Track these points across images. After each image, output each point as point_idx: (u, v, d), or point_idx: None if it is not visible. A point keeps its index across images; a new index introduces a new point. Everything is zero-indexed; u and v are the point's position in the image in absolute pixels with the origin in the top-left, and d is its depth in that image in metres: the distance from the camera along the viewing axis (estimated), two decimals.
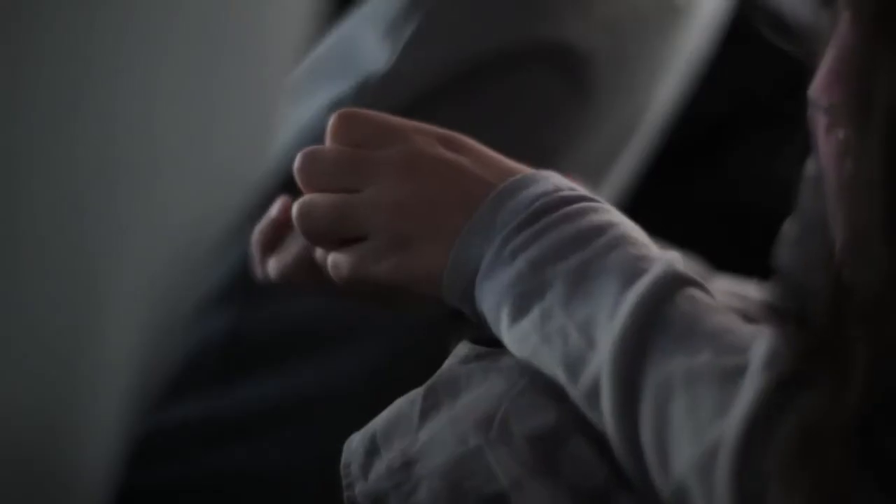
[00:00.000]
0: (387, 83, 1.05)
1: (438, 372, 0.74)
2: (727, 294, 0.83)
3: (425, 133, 0.78)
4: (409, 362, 1.02)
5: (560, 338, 0.70)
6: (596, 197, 0.75)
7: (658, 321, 0.67)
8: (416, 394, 0.73)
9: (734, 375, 0.64)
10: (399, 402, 0.74)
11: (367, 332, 1.05)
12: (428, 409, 0.72)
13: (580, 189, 0.75)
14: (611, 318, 0.68)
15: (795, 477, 0.60)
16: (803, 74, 0.73)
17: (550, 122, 1.08)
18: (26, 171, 0.76)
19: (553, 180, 0.75)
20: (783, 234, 0.86)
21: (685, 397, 0.65)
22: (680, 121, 1.28)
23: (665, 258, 0.71)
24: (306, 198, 0.79)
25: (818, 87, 0.72)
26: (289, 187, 1.02)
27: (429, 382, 0.73)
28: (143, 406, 0.96)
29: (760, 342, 0.65)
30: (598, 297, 0.69)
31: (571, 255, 0.71)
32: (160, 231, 0.88)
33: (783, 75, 1.35)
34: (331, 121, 0.80)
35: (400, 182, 0.75)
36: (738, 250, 0.97)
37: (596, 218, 0.72)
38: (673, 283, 0.69)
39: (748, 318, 0.79)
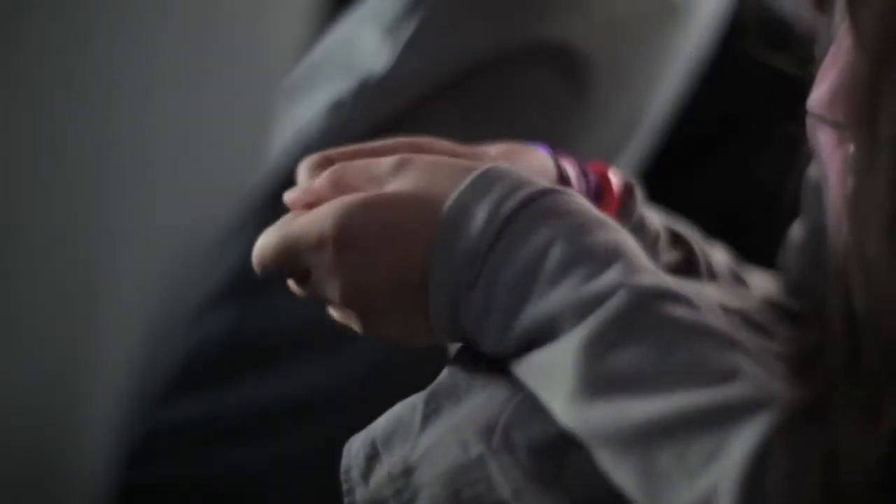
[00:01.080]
0: (386, 83, 1.04)
1: (440, 377, 0.73)
2: (722, 293, 0.82)
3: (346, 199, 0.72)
4: (409, 364, 1.02)
5: (530, 380, 0.69)
6: (533, 186, 0.70)
7: (615, 358, 0.65)
8: (418, 399, 0.72)
9: (721, 416, 0.62)
10: (399, 407, 0.73)
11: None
12: (429, 415, 0.71)
13: (509, 183, 0.70)
14: (563, 358, 0.66)
15: None
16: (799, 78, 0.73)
17: (549, 122, 1.08)
18: (21, 176, 0.76)
19: (480, 205, 0.70)
20: (789, 237, 0.85)
21: (669, 444, 0.62)
22: (680, 120, 1.28)
23: (620, 269, 0.67)
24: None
25: (820, 102, 0.71)
26: (288, 187, 1.03)
27: (430, 388, 0.72)
28: (142, 407, 0.96)
29: (743, 371, 0.63)
30: (551, 341, 0.67)
31: (522, 308, 0.68)
32: (156, 233, 0.88)
33: (782, 75, 1.36)
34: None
35: (332, 278, 0.72)
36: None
37: (533, 242, 0.68)
38: (634, 308, 0.65)
39: (747, 319, 0.79)
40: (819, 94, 0.71)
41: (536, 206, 0.69)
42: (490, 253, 0.69)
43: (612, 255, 0.68)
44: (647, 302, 0.66)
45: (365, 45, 1.06)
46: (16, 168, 0.75)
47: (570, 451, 0.68)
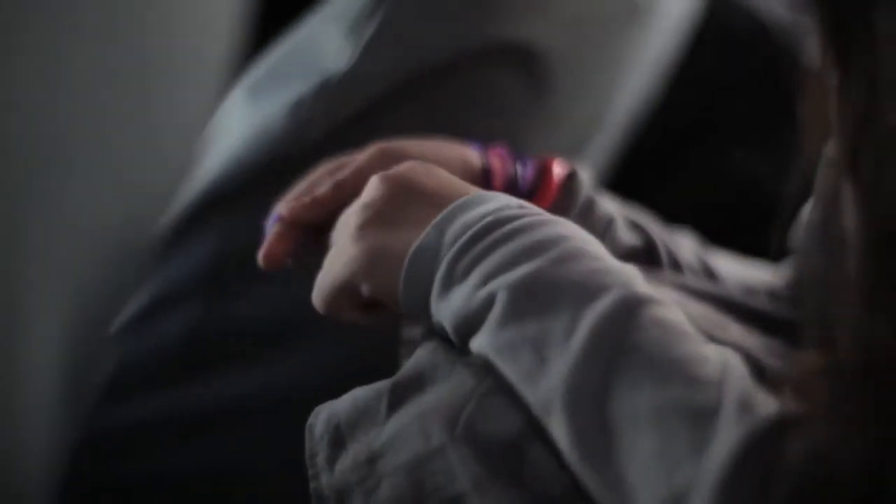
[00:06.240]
0: (346, 83, 1.04)
1: (406, 364, 0.73)
2: (692, 294, 0.82)
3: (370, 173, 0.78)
4: (376, 358, 1.02)
5: (510, 353, 0.69)
6: (541, 212, 0.73)
7: (620, 349, 0.65)
8: (383, 386, 0.73)
9: (707, 414, 0.62)
10: (364, 393, 0.73)
11: (333, 329, 1.04)
12: (395, 403, 0.72)
13: (527, 205, 0.73)
14: (566, 338, 0.66)
15: None
16: (773, 72, 0.73)
17: (509, 121, 1.08)
18: None
19: (500, 199, 0.73)
20: (801, 216, 0.85)
21: (654, 435, 0.63)
22: (651, 123, 1.28)
23: (624, 274, 0.69)
24: None
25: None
26: (249, 184, 1.03)
27: (396, 376, 0.73)
28: (80, 409, 0.95)
29: (732, 376, 0.64)
30: (550, 311, 0.67)
31: (519, 266, 0.69)
32: (78, 236, 0.86)
33: (753, 75, 1.38)
34: None
35: (352, 246, 0.75)
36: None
37: (548, 231, 0.70)
38: (634, 305, 0.66)
39: (726, 303, 0.79)
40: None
41: (548, 217, 0.72)
42: (495, 230, 0.71)
43: (619, 266, 0.70)
44: (642, 305, 0.67)
45: (327, 44, 1.06)
46: None
47: (531, 447, 0.68)
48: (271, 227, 0.85)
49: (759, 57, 1.35)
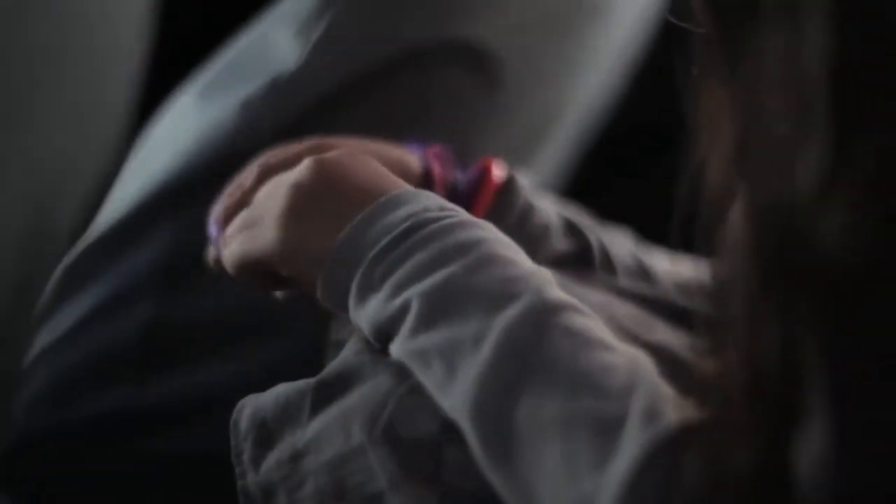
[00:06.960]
0: (295, 83, 1.05)
1: (331, 364, 0.74)
2: (623, 295, 0.82)
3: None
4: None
5: (422, 361, 0.69)
6: (461, 212, 0.73)
7: (527, 360, 0.65)
8: (307, 385, 0.73)
9: (614, 425, 0.62)
10: (286, 390, 0.74)
11: (288, 323, 1.05)
12: (319, 402, 0.72)
13: (449, 206, 0.74)
14: (474, 346, 0.67)
15: None
16: None
17: (460, 121, 1.08)
18: None
19: (421, 199, 0.73)
20: (729, 221, 0.85)
21: (560, 446, 0.63)
22: (626, 119, 1.28)
23: (536, 280, 0.69)
24: None
25: None
26: (200, 182, 1.03)
27: (321, 374, 0.73)
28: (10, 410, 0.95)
29: (640, 385, 0.64)
30: (460, 320, 0.68)
31: (432, 274, 0.69)
32: None
33: None
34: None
35: (276, 230, 0.76)
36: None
37: (462, 235, 0.71)
38: (543, 313, 0.67)
39: (653, 305, 0.79)
40: None
41: (465, 219, 0.72)
42: (411, 235, 0.71)
43: (532, 270, 0.70)
44: (553, 312, 0.67)
45: (277, 44, 1.07)
46: None
47: (448, 447, 0.68)
48: (212, 233, 0.85)
49: None
